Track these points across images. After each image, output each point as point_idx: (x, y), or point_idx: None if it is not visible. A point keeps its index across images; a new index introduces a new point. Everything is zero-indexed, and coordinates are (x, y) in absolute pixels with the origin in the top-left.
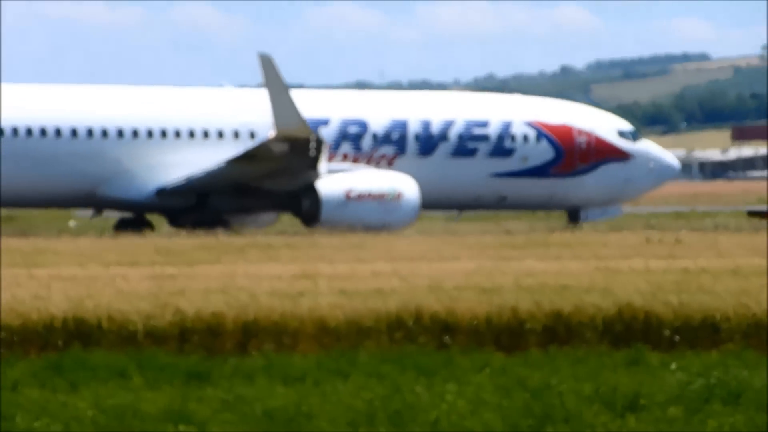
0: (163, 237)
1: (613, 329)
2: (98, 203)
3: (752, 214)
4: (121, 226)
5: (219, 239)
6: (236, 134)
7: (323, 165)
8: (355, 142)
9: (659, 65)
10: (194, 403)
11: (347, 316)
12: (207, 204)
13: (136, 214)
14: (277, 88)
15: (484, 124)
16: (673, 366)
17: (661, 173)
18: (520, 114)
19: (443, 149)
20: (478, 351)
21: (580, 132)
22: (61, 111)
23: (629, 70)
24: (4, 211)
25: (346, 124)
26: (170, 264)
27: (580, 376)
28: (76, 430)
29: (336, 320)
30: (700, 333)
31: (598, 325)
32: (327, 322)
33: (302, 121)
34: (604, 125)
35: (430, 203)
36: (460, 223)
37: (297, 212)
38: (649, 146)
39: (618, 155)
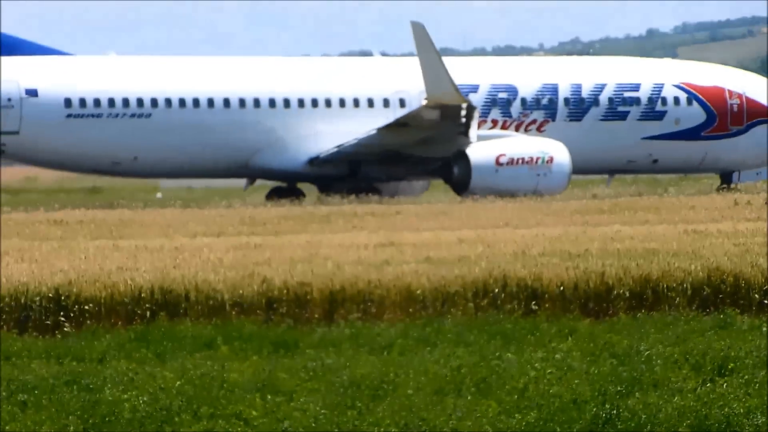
0: (249, 207)
1: (702, 293)
2: (251, 173)
3: None
4: (273, 195)
5: (305, 209)
6: (386, 102)
7: (474, 131)
8: (505, 108)
9: (746, 27)
10: (282, 372)
11: (433, 283)
12: (359, 172)
13: (289, 183)
14: (429, 55)
15: (635, 88)
16: (764, 329)
17: None
18: (671, 77)
19: (594, 113)
20: (564, 317)
21: (732, 93)
22: (214, 82)
23: (716, 32)
24: (91, 183)
25: (496, 89)
26: (256, 234)
27: (669, 341)
28: (164, 402)
29: (422, 288)
30: None
31: (687, 290)
32: (412, 290)
33: (454, 88)
34: (756, 87)
35: (581, 168)
36: None
37: (448, 179)
38: None
39: None
